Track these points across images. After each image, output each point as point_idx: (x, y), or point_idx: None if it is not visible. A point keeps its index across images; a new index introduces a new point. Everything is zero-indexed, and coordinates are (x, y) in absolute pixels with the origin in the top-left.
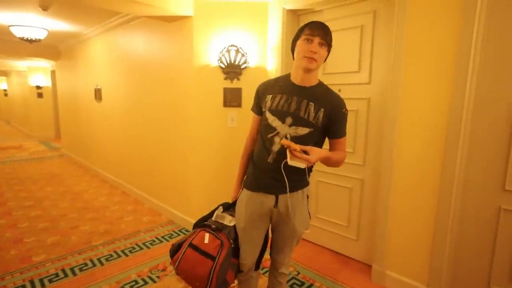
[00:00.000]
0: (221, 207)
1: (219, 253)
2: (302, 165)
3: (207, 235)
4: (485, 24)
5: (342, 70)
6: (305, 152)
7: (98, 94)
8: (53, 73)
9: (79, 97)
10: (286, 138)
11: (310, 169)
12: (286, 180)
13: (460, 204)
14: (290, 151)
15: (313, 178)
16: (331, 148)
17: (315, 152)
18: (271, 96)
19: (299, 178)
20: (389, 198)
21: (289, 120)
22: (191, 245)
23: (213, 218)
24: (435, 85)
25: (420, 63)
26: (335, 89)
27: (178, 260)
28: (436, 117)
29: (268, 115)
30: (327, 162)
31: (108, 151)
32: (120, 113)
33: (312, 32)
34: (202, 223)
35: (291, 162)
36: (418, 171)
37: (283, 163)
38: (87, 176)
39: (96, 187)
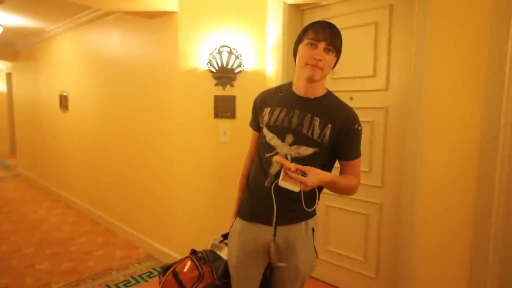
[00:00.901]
0: (221, 236)
1: (193, 287)
2: (296, 188)
3: (188, 263)
4: None
5: (354, 74)
6: (304, 173)
7: (64, 102)
8: (8, 76)
9: (41, 106)
10: (286, 159)
11: (312, 196)
12: (274, 205)
13: (502, 230)
14: (284, 170)
15: (322, 202)
16: (342, 172)
17: (315, 174)
18: (269, 109)
19: (294, 207)
20: (414, 227)
21: (289, 138)
22: (173, 271)
23: (209, 247)
24: (467, 90)
25: (447, 65)
26: (346, 96)
27: (162, 283)
28: (469, 128)
29: (265, 132)
30: (332, 187)
31: (75, 170)
32: (90, 125)
33: (317, 36)
34: (193, 250)
35: (282, 183)
36: (449, 192)
37: (274, 183)
38: (47, 201)
39: (59, 215)
